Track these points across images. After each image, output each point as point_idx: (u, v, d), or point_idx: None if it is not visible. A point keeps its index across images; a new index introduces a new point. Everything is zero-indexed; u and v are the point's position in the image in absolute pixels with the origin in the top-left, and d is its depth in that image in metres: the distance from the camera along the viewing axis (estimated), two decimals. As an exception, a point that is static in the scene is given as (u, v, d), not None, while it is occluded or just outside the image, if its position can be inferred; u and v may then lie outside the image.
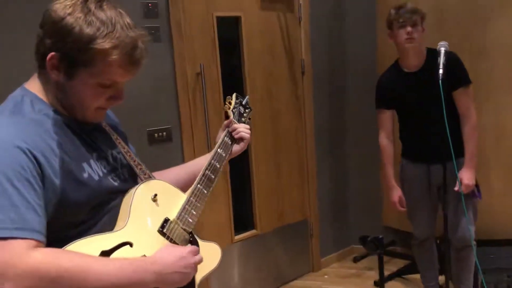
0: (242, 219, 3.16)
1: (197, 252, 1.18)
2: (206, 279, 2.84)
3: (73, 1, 1.07)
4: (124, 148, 1.29)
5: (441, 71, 2.22)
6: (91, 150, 1.18)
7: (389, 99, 2.69)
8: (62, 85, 1.10)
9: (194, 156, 2.72)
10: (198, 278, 1.25)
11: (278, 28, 3.09)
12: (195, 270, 1.17)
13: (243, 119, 1.59)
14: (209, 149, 2.78)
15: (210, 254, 1.30)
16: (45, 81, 1.12)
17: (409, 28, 2.47)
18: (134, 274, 1.05)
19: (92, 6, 1.06)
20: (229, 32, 2.92)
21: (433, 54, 2.53)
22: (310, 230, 3.41)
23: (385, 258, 3.49)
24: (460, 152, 2.56)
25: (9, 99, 1.12)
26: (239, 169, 3.12)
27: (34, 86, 1.14)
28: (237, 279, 3.07)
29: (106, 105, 1.16)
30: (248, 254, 3.12)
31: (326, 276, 3.40)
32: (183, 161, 2.70)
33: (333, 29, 3.43)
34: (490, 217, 2.88)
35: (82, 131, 1.17)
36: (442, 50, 2.27)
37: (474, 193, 2.58)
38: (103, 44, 1.05)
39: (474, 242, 2.59)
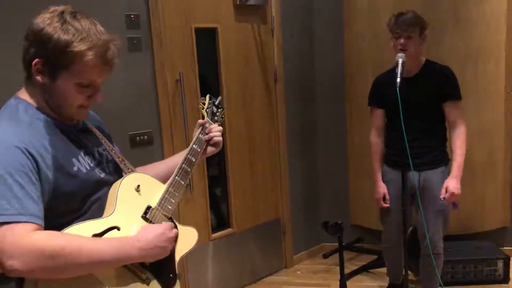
0: (219, 218, 3.35)
1: (172, 228, 1.37)
2: (184, 276, 3.01)
3: (51, 14, 1.25)
4: (109, 146, 1.47)
5: (398, 79, 2.32)
6: (79, 147, 1.35)
7: (380, 98, 2.74)
8: (48, 88, 1.26)
9: (173, 158, 2.89)
10: (178, 257, 1.44)
11: (252, 39, 3.30)
12: (173, 243, 1.36)
13: (216, 118, 1.73)
14: (187, 152, 2.96)
15: (188, 237, 1.49)
16: (33, 88, 1.29)
17: (402, 40, 2.51)
18: (121, 250, 1.23)
19: (67, 17, 1.24)
20: (206, 42, 3.12)
21: (430, 65, 2.65)
22: (283, 228, 3.62)
23: (353, 254, 3.74)
24: (440, 162, 2.65)
25: (5, 107, 1.29)
26: (216, 171, 3.32)
27: (25, 94, 1.30)
28: (214, 275, 3.25)
29: (87, 104, 1.32)
30: (224, 251, 3.30)
31: (298, 272, 3.61)
32: (163, 163, 2.87)
33: (304, 39, 3.66)
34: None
35: (70, 131, 1.34)
36: (400, 61, 2.39)
37: (454, 203, 2.62)
38: (79, 46, 1.22)
39: (437, 251, 2.65)
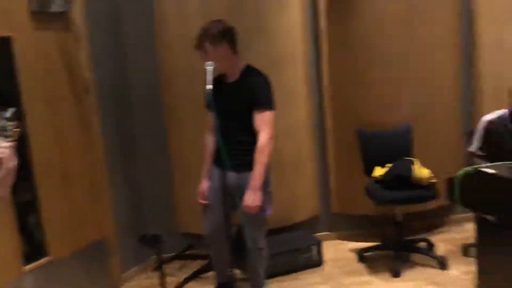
0: (35, 247, 3.01)
1: None
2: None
3: None
4: None
5: (209, 86, 2.48)
6: None
7: (210, 102, 2.74)
8: None
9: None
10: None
11: (56, 48, 3.03)
12: None
13: (7, 133, 1.54)
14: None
15: None
16: None
17: (201, 53, 2.68)
18: None
19: None
20: (1, 53, 2.77)
21: (248, 72, 2.75)
22: (108, 248, 3.42)
23: (185, 262, 3.74)
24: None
25: None
26: (29, 196, 2.97)
27: None
28: (33, 311, 2.91)
29: None
30: (43, 283, 2.97)
31: (129, 290, 3.46)
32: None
33: (115, 47, 3.52)
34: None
35: None
36: (207, 69, 2.56)
37: (263, 210, 2.70)
38: None
39: (259, 246, 2.82)
